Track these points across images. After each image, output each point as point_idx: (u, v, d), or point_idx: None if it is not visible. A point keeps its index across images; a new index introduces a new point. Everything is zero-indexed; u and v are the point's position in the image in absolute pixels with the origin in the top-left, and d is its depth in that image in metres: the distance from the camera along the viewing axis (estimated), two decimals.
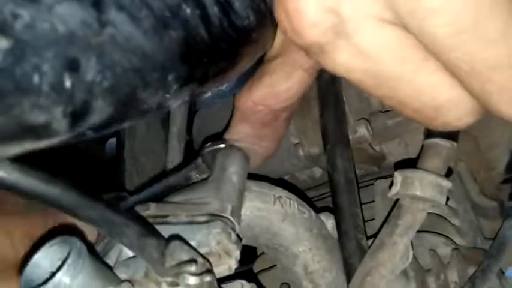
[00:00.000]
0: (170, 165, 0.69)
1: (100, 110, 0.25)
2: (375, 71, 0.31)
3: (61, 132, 0.25)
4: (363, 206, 0.57)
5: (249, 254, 0.66)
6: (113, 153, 0.85)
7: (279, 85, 0.44)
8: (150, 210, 0.45)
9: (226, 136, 0.53)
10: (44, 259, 0.39)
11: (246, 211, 0.49)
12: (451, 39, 0.26)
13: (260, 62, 0.52)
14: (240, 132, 0.51)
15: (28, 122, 0.21)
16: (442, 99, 0.31)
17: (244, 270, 0.67)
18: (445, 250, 0.59)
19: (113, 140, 0.92)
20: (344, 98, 0.60)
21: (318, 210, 0.56)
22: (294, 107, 0.49)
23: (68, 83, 0.22)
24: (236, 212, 0.46)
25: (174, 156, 0.70)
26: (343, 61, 0.31)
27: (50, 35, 0.20)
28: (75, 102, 0.23)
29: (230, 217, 0.45)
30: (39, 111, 0.21)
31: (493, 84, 0.27)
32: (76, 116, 0.24)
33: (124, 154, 0.81)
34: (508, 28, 0.25)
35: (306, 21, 0.31)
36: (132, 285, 0.39)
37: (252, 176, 0.53)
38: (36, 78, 0.20)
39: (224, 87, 0.83)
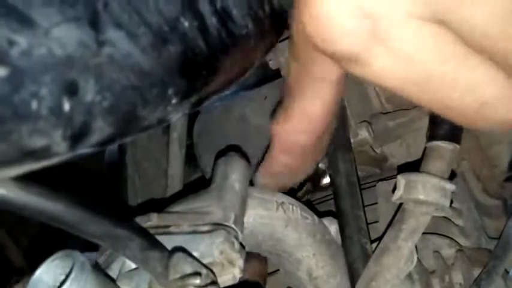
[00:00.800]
0: (171, 170, 0.69)
1: (100, 130, 0.25)
2: (416, 75, 0.29)
3: (61, 154, 0.24)
4: (365, 208, 0.57)
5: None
6: (114, 158, 0.85)
7: (312, 107, 0.40)
8: (152, 221, 0.45)
9: (265, 166, 0.51)
10: (47, 274, 0.39)
11: (249, 218, 0.49)
12: (498, 30, 0.24)
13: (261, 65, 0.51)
14: (282, 164, 0.48)
15: (27, 146, 0.21)
16: (487, 95, 0.29)
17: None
18: (449, 251, 0.58)
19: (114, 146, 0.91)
20: (345, 101, 0.59)
21: (320, 214, 0.56)
22: (333, 124, 0.46)
23: (66, 106, 0.22)
24: (239, 220, 0.46)
25: (175, 161, 0.70)
26: (381, 69, 0.29)
27: (48, 60, 0.20)
28: (74, 125, 0.23)
29: (233, 226, 0.45)
30: (38, 136, 0.21)
31: None
32: (76, 138, 0.24)
33: (126, 160, 0.81)
34: None
35: (338, 28, 0.28)
36: None
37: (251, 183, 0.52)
38: (34, 104, 0.20)
39: None
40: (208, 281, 0.37)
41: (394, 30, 0.27)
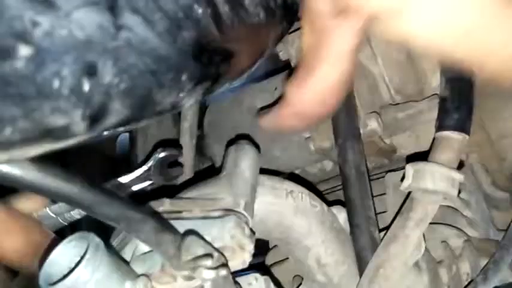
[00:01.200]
0: (182, 160, 0.70)
1: (117, 112, 0.26)
2: (456, 27, 0.28)
3: (80, 134, 0.25)
4: (374, 198, 0.57)
5: (261, 247, 0.67)
6: (125, 148, 0.86)
7: (329, 79, 0.40)
8: (164, 206, 0.46)
9: (268, 118, 0.50)
10: (62, 255, 0.40)
11: (259, 205, 0.50)
12: None
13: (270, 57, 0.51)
14: (285, 124, 0.47)
15: (49, 124, 0.22)
16: None
17: (257, 263, 0.68)
18: (457, 242, 0.59)
19: (125, 136, 0.93)
20: (355, 92, 0.60)
21: (329, 204, 0.57)
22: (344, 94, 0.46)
23: (86, 87, 0.22)
24: (249, 206, 0.47)
25: (186, 150, 0.71)
26: (420, 22, 0.29)
27: (69, 41, 0.21)
28: (93, 105, 0.24)
29: (243, 212, 0.45)
30: (59, 115, 0.22)
31: None
32: (94, 118, 0.25)
33: (137, 150, 0.82)
34: None
35: None
36: (149, 279, 0.40)
37: (264, 171, 0.53)
38: (56, 83, 0.21)
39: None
40: (220, 263, 0.38)
41: None
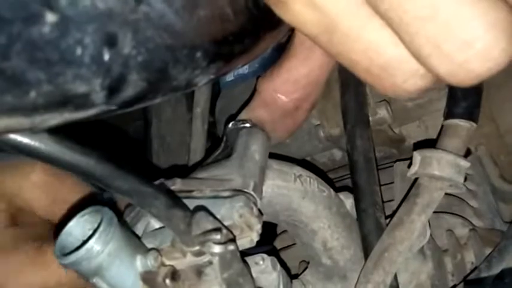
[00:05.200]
0: (194, 145, 0.71)
1: (134, 84, 0.27)
2: (326, 25, 0.30)
3: (98, 104, 0.26)
4: (382, 187, 0.58)
5: (268, 234, 0.68)
6: (140, 132, 0.88)
7: (298, 70, 0.43)
8: (176, 185, 0.47)
9: (242, 117, 0.54)
10: (76, 228, 0.42)
11: (267, 188, 0.51)
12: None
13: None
14: (257, 118, 0.51)
15: (70, 91, 0.23)
16: (387, 56, 0.30)
17: (266, 250, 0.69)
18: (462, 231, 0.60)
19: (140, 122, 0.94)
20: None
21: (337, 190, 0.58)
22: (316, 96, 0.48)
23: (106, 56, 0.24)
24: (258, 188, 0.48)
25: (198, 137, 0.72)
26: (297, 13, 0.31)
27: (91, 11, 0.22)
28: (112, 75, 0.25)
29: (252, 192, 0.46)
30: (80, 82, 0.23)
31: (421, 36, 0.26)
32: (112, 89, 0.26)
33: (151, 134, 0.83)
34: None
35: None
36: (159, 253, 0.41)
37: (274, 156, 0.54)
38: (79, 51, 0.22)
39: (246, 70, 0.84)
40: (228, 238, 0.39)
41: None
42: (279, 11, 0.33)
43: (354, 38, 0.30)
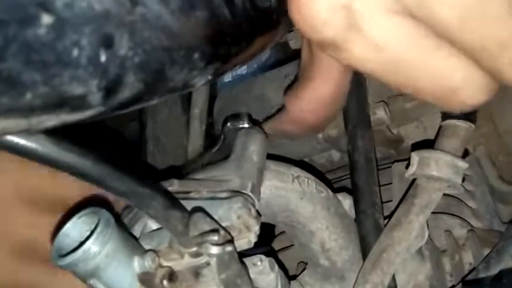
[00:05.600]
0: (191, 146, 0.71)
1: (131, 85, 0.27)
2: (389, 62, 0.32)
3: (95, 106, 0.26)
4: (380, 187, 0.58)
5: (266, 235, 0.68)
6: (136, 133, 0.88)
7: (321, 91, 0.45)
8: (173, 186, 0.47)
9: (271, 124, 0.55)
10: (73, 229, 0.42)
11: (265, 189, 0.51)
12: (460, 23, 0.28)
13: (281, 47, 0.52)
14: (285, 131, 0.53)
15: (67, 92, 0.23)
16: (457, 81, 0.32)
17: (264, 251, 0.69)
18: (460, 232, 0.60)
19: (135, 123, 0.94)
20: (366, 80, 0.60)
21: (335, 192, 0.58)
22: (340, 106, 0.50)
23: (103, 58, 0.23)
24: (256, 189, 0.48)
25: (196, 137, 0.72)
26: (358, 55, 0.32)
27: (88, 12, 0.22)
28: (109, 76, 0.25)
29: (250, 193, 0.46)
30: (76, 83, 0.23)
31: (505, 59, 0.28)
32: (109, 90, 0.26)
33: (146, 135, 0.83)
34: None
35: (318, 18, 0.32)
36: (157, 255, 0.41)
37: (272, 157, 0.54)
38: (75, 52, 0.22)
39: (245, 71, 0.84)
40: (226, 239, 0.39)
41: (367, 22, 0.31)
42: (342, 57, 0.34)
43: (420, 69, 0.32)
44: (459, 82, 0.32)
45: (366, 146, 0.55)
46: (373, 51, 0.31)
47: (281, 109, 0.52)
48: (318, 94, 0.45)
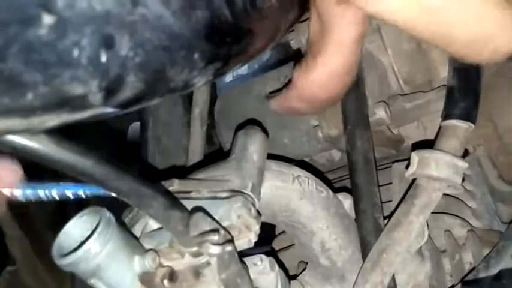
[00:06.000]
0: (192, 146, 0.71)
1: (132, 85, 0.27)
2: (426, 8, 0.32)
3: (95, 105, 0.26)
4: (380, 187, 0.58)
5: (267, 235, 0.68)
6: (137, 134, 0.88)
7: (332, 64, 0.44)
8: (174, 186, 0.47)
9: (277, 100, 0.52)
10: (75, 228, 0.42)
11: (266, 189, 0.51)
12: None
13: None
14: (293, 107, 0.50)
15: (67, 93, 0.23)
16: (491, 28, 0.33)
17: (264, 251, 0.69)
18: (460, 231, 0.60)
19: (137, 124, 0.95)
20: (364, 80, 0.60)
21: (335, 191, 0.58)
22: (349, 83, 0.48)
23: (103, 58, 0.24)
24: (256, 189, 0.48)
25: (196, 138, 0.72)
26: (394, 4, 0.33)
27: (88, 13, 0.22)
28: (109, 76, 0.25)
29: (250, 193, 0.47)
30: (77, 83, 0.23)
31: None
32: (110, 90, 0.26)
33: (147, 135, 0.84)
34: None
35: None
36: (158, 254, 0.41)
37: (272, 157, 0.54)
38: (76, 52, 0.22)
39: (246, 71, 0.84)
40: (226, 239, 0.39)
41: None
42: (373, 8, 0.35)
43: (455, 15, 0.32)
44: (493, 29, 0.32)
45: (364, 146, 0.55)
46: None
47: (288, 84, 0.50)
48: (329, 68, 0.43)
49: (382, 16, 0.34)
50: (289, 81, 0.48)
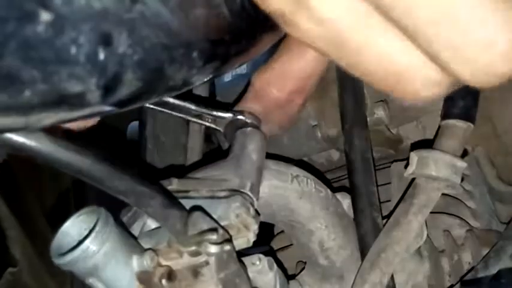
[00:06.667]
0: (191, 145, 0.71)
1: (130, 83, 0.27)
2: (336, 40, 0.30)
3: (93, 104, 0.26)
4: (379, 187, 0.58)
5: (265, 235, 0.68)
6: (135, 132, 0.88)
7: (291, 63, 0.44)
8: (172, 185, 0.47)
9: (237, 108, 0.54)
10: (72, 228, 0.42)
11: (264, 189, 0.51)
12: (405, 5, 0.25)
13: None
14: (250, 109, 0.52)
15: (65, 90, 0.23)
16: (403, 65, 0.29)
17: (263, 250, 0.69)
18: (459, 231, 0.60)
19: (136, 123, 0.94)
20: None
21: (334, 191, 0.58)
22: (310, 91, 0.48)
23: (101, 56, 0.23)
24: (255, 188, 0.48)
25: (195, 136, 0.72)
26: (306, 30, 0.30)
27: (86, 10, 0.22)
28: (107, 74, 0.25)
29: (249, 193, 0.46)
30: (75, 81, 0.23)
31: (439, 42, 0.26)
32: (108, 88, 0.26)
33: (146, 133, 0.83)
34: None
35: None
36: (156, 254, 0.41)
37: (271, 157, 0.54)
38: (73, 50, 0.22)
39: (245, 70, 0.84)
40: (224, 238, 0.39)
41: None
42: (290, 30, 0.33)
43: (365, 50, 0.30)
44: (406, 68, 0.29)
45: (362, 146, 0.55)
46: (320, 28, 0.30)
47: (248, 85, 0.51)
48: (285, 69, 0.44)
49: (301, 40, 0.34)
50: (248, 84, 0.50)
